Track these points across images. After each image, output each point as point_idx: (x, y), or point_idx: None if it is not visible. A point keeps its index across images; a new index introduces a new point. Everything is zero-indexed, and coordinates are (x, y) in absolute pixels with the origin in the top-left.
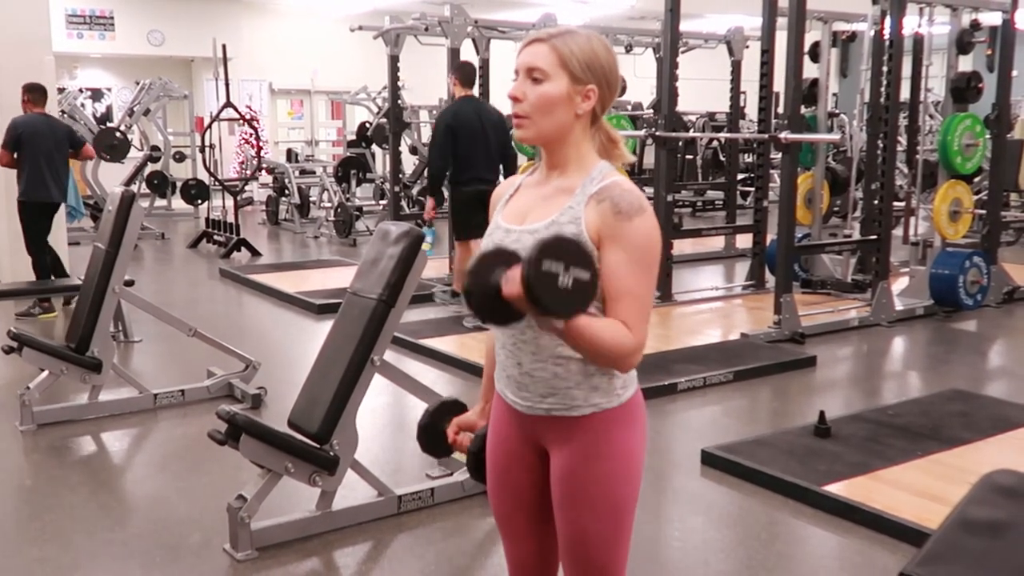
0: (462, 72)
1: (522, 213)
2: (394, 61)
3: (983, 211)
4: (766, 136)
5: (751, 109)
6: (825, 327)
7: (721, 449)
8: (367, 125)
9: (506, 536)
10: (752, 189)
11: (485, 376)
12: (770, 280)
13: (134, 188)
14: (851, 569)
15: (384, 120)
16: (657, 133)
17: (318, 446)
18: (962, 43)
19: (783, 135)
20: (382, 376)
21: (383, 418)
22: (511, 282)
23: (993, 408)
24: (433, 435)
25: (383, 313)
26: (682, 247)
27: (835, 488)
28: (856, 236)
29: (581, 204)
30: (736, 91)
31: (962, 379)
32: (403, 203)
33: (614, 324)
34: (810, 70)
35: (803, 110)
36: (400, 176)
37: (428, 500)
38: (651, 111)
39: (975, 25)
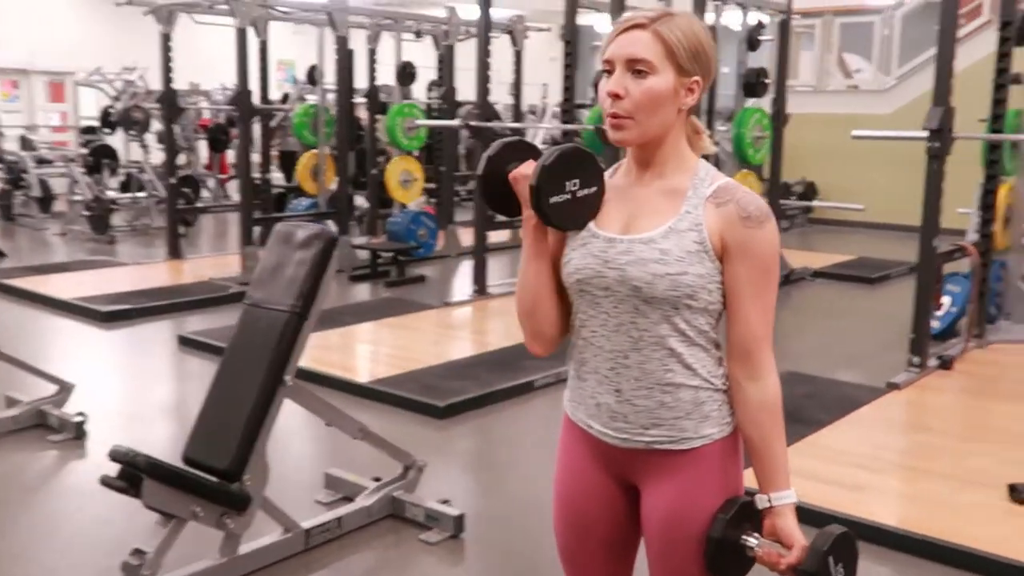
0: None
1: (622, 220)
2: (166, 40)
3: None
4: (592, 127)
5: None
6: None
7: None
8: (110, 110)
9: (572, 573)
10: None
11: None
12: None
13: None
14: None
15: (133, 105)
16: (472, 123)
17: (228, 484)
18: (751, 40)
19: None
20: (292, 401)
21: None
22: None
23: (833, 389)
24: (497, 180)
25: (296, 326)
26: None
27: None
28: None
29: (699, 208)
30: (519, 80)
31: (782, 360)
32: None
33: (767, 414)
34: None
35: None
36: (160, 167)
37: (336, 531)
38: (439, 98)
39: (761, 24)
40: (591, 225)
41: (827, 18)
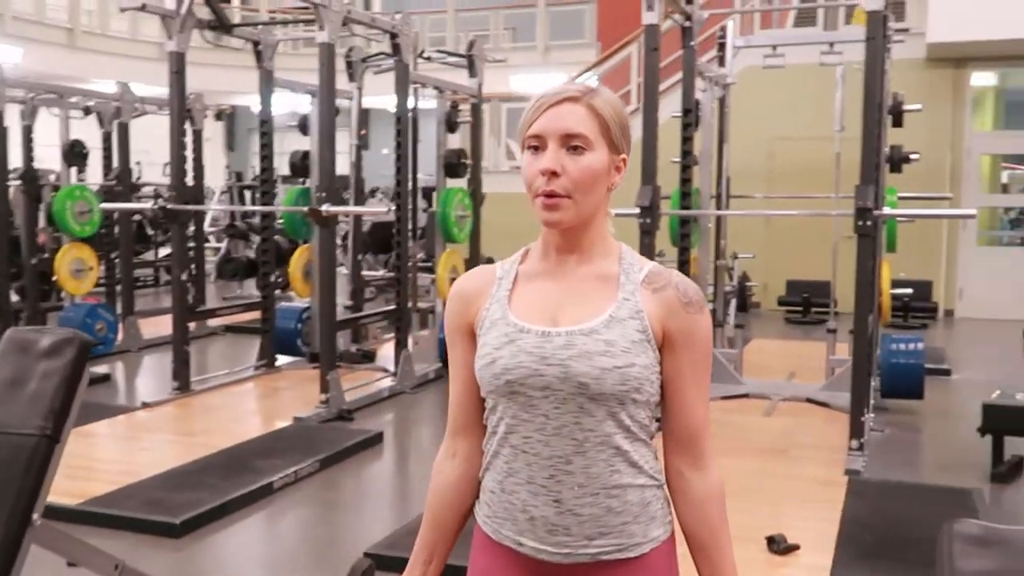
0: None
1: (548, 311)
2: None
3: None
4: (306, 209)
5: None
6: (362, 400)
7: (388, 547)
8: None
9: None
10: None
11: (427, 530)
12: (279, 358)
13: None
14: None
15: None
16: (169, 206)
17: None
18: (450, 122)
19: (324, 208)
20: (39, 545)
21: None
22: None
23: None
24: None
25: (46, 452)
26: (156, 329)
27: None
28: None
29: (635, 294)
30: (200, 160)
31: None
32: None
33: (714, 505)
34: (301, 143)
35: (300, 183)
36: None
37: None
38: (113, 179)
39: (455, 105)
40: (512, 318)
41: (495, 103)
